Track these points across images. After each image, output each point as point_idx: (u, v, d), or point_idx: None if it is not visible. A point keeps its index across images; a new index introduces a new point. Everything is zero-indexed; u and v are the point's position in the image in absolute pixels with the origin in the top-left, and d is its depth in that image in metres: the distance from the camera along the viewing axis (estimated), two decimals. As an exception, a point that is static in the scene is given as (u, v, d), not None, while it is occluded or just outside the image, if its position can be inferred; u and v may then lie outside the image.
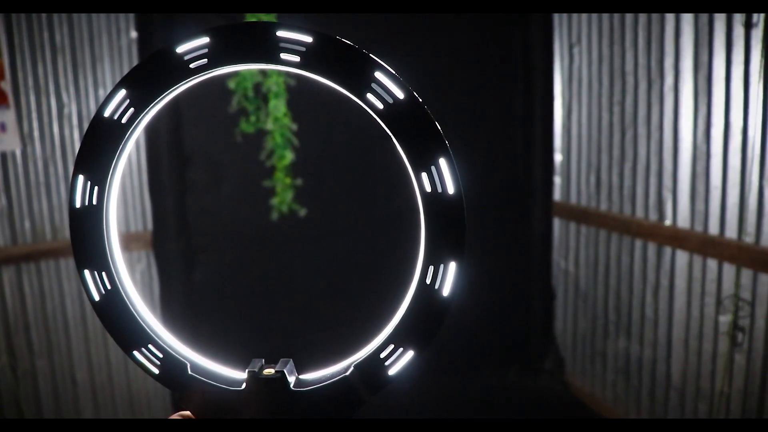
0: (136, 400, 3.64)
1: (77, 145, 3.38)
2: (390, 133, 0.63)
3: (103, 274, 0.71)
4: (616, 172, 3.48)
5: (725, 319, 2.86)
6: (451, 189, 0.64)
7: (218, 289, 3.83)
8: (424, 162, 0.63)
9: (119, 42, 3.43)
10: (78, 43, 3.35)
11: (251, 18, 3.32)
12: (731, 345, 2.82)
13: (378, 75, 0.62)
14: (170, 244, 3.62)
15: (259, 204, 3.65)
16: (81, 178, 0.70)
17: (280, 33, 0.63)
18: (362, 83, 0.62)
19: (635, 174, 3.35)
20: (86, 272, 0.71)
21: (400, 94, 0.62)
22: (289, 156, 3.56)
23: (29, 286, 3.37)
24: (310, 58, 0.63)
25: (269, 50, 0.63)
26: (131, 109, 0.66)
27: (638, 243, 3.36)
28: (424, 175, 0.63)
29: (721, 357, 2.90)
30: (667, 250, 3.17)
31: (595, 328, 3.77)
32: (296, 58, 0.63)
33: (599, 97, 3.59)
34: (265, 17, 3.32)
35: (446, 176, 0.63)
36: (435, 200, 0.64)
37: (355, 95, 0.62)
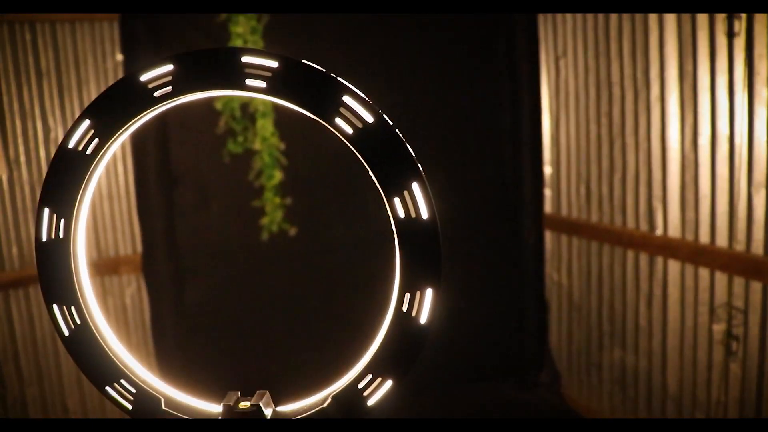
0: (129, 425, 3.60)
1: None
2: (361, 158, 0.61)
3: (73, 308, 0.69)
4: (606, 183, 3.48)
5: (719, 327, 2.85)
6: (425, 214, 0.62)
7: (209, 310, 3.80)
8: (396, 187, 0.61)
9: (105, 65, 3.43)
10: (63, 67, 3.34)
11: (234, 21, 3.31)
12: (726, 354, 2.81)
13: (346, 99, 0.61)
14: (160, 267, 3.60)
15: (248, 224, 3.63)
16: (47, 210, 0.68)
17: (246, 58, 0.62)
18: (330, 108, 0.61)
19: (625, 184, 3.35)
20: (55, 307, 0.69)
21: (369, 118, 0.61)
22: (278, 175, 3.55)
23: (17, 313, 3.33)
24: (276, 83, 0.61)
25: (234, 76, 0.62)
26: (96, 140, 0.65)
27: (630, 253, 3.35)
28: (396, 200, 0.62)
29: (716, 366, 2.89)
30: (659, 260, 3.16)
31: (590, 340, 3.75)
32: (262, 84, 0.62)
33: (587, 109, 3.59)
34: (243, 17, 3.30)
35: (419, 201, 0.62)
36: (409, 226, 0.62)
37: (323, 120, 0.61)
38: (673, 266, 3.08)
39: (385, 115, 0.61)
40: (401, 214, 0.62)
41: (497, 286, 4.18)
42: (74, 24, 3.33)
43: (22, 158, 3.29)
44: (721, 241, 2.80)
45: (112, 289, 3.54)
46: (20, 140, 3.28)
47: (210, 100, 3.43)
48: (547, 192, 4.02)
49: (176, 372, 3.63)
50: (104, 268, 3.49)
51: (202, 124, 3.54)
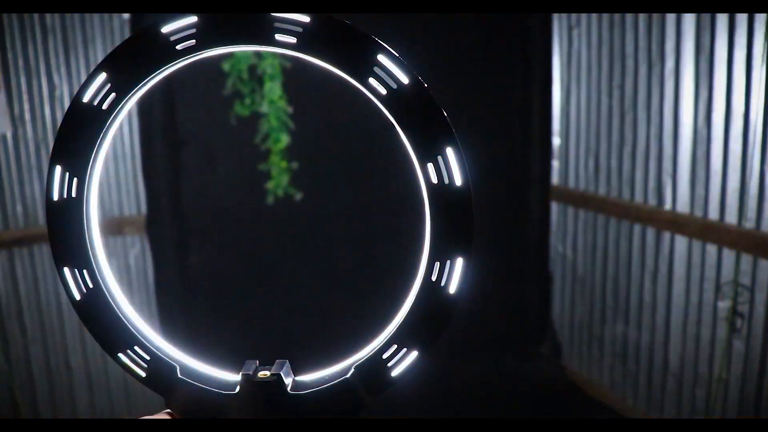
0: (131, 386, 3.61)
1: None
2: (393, 121, 0.58)
3: (85, 271, 0.67)
4: (615, 156, 3.45)
5: (724, 304, 2.84)
6: (458, 180, 0.60)
7: (213, 273, 3.80)
8: (429, 152, 0.59)
9: (111, 23, 3.37)
10: (69, 24, 3.29)
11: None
12: (730, 331, 2.81)
13: (381, 58, 0.58)
14: (164, 229, 3.58)
15: (254, 188, 3.60)
16: (59, 168, 0.65)
17: (275, 12, 0.59)
18: (364, 67, 0.58)
19: (634, 158, 3.32)
20: (66, 270, 0.67)
21: (404, 79, 0.58)
22: (285, 139, 3.51)
23: (22, 271, 3.33)
24: (307, 39, 0.58)
25: (263, 31, 0.59)
26: (113, 94, 0.61)
27: (637, 228, 3.33)
28: (429, 166, 0.59)
29: (719, 343, 2.89)
30: (666, 235, 3.14)
31: (593, 313, 3.75)
32: (292, 40, 0.58)
33: (599, 81, 3.55)
34: None
35: (453, 166, 0.59)
36: (441, 192, 0.60)
37: (356, 80, 0.58)
38: (681, 242, 3.07)
39: (420, 77, 0.58)
40: (434, 180, 0.60)
41: (501, 256, 4.18)
42: (80, -21, 3.27)
43: (27, 116, 3.25)
44: (731, 218, 2.78)
45: (116, 250, 3.52)
46: (25, 97, 3.24)
47: (217, 61, 3.38)
48: (555, 163, 3.98)
49: (179, 334, 3.64)
50: (108, 228, 3.47)
51: (208, 85, 3.49)
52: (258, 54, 3.38)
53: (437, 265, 0.62)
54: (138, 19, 3.36)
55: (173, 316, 3.62)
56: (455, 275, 0.62)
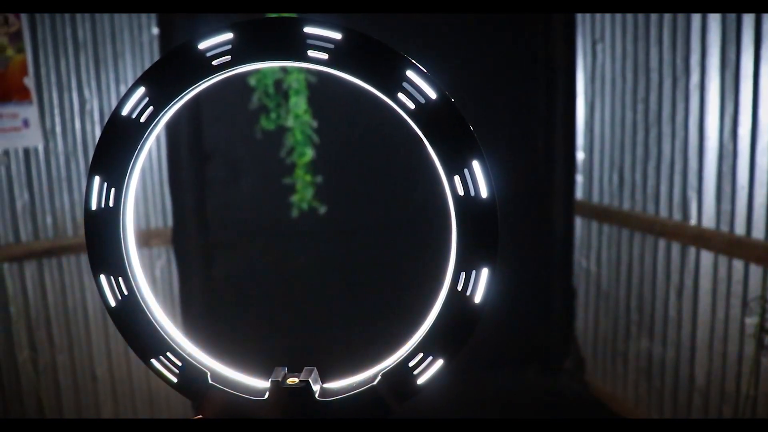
0: (156, 395, 3.65)
1: (98, 141, 3.37)
2: (421, 135, 0.60)
3: (120, 279, 0.69)
4: (640, 171, 3.43)
5: (751, 321, 2.80)
6: (484, 192, 0.61)
7: (238, 285, 3.83)
8: (456, 165, 0.60)
9: (141, 38, 3.43)
10: (100, 39, 3.36)
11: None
12: (758, 347, 2.77)
13: (410, 74, 0.59)
14: (190, 241, 3.62)
15: (279, 201, 3.64)
16: (97, 179, 0.68)
17: (308, 29, 0.60)
18: (393, 82, 0.59)
19: (659, 173, 3.30)
20: (102, 277, 0.69)
21: (432, 94, 0.59)
22: (310, 153, 3.54)
23: (51, 281, 3.38)
24: (338, 55, 0.60)
25: (296, 47, 0.61)
26: (150, 108, 0.64)
27: (662, 243, 3.30)
28: (456, 178, 0.61)
29: (747, 359, 2.85)
30: (692, 250, 3.11)
31: (617, 329, 3.72)
32: (324, 56, 0.60)
33: (623, 95, 3.54)
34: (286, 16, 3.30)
35: (479, 179, 0.61)
36: (467, 204, 0.61)
37: (385, 95, 0.60)
38: (706, 257, 3.04)
39: (447, 93, 0.60)
40: (460, 192, 0.61)
41: (525, 271, 4.16)
42: (111, -4, 3.34)
43: (58, 129, 3.32)
44: (758, 233, 2.74)
45: (143, 261, 3.51)
46: (56, 111, 3.31)
47: (243, 76, 3.42)
48: (579, 178, 3.97)
49: (204, 345, 3.66)
50: (135, 239, 3.52)
51: (235, 99, 3.54)
52: (284, 69, 3.43)
53: (463, 275, 0.63)
54: (167, 34, 3.42)
55: (198, 327, 3.65)
56: (481, 285, 0.63)
